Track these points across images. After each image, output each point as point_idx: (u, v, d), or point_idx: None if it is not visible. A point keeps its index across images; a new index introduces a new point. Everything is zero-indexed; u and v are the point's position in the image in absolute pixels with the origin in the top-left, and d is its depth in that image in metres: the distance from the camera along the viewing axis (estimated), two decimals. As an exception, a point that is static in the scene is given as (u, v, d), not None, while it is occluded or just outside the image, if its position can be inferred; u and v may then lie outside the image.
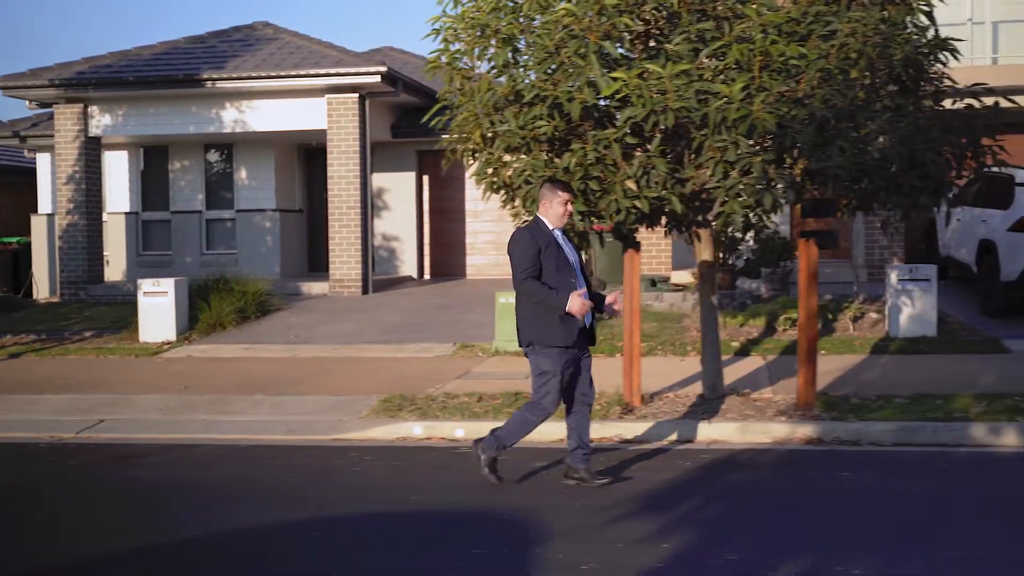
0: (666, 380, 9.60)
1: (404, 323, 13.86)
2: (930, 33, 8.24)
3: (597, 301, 6.51)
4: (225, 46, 16.84)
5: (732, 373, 10.08)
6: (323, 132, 15.96)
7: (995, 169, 12.91)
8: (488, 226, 18.39)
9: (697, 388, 9.19)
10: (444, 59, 7.94)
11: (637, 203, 7.45)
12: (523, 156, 7.68)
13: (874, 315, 12.58)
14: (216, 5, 56.60)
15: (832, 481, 6.61)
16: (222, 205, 17.96)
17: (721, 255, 14.24)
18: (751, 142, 6.96)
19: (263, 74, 15.36)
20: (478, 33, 7.83)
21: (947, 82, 8.73)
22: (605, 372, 9.95)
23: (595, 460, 7.14)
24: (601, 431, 8.03)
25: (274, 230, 17.55)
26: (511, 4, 7.74)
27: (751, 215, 7.95)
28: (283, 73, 15.33)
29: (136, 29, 57.21)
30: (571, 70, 7.19)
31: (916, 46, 8.09)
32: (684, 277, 14.99)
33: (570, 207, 6.45)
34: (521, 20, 7.68)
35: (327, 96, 15.68)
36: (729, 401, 8.56)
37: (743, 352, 11.33)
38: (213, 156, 18.04)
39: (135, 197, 18.31)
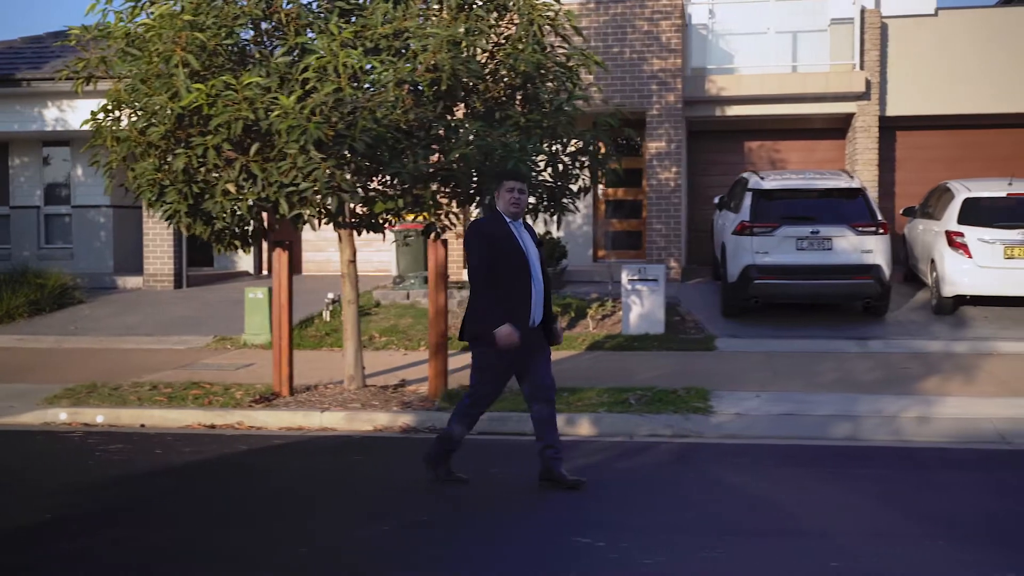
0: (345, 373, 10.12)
1: (189, 316, 14.38)
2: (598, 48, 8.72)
3: (550, 325, 6.33)
4: (58, 47, 17.31)
5: (423, 368, 10.62)
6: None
7: (745, 176, 13.46)
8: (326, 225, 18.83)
9: (373, 380, 9.78)
10: (76, 67, 8.47)
11: (239, 205, 8.00)
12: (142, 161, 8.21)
13: (621, 313, 13.11)
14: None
15: (342, 465, 7.21)
16: (59, 201, 18.44)
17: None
18: (319, 151, 7.48)
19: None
20: (121, 43, 8.38)
21: (593, 92, 9.25)
22: (323, 363, 10.54)
23: (191, 444, 7.71)
24: (225, 418, 8.59)
25: (107, 226, 18.03)
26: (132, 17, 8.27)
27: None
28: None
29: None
30: (164, 80, 7.72)
31: (539, 60, 8.59)
32: (473, 275, 15.48)
33: (518, 195, 6.19)
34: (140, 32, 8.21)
35: (141, 96, 16.16)
36: (366, 392, 9.08)
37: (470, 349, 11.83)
38: (51, 153, 18.53)
39: (-24, 192, 18.81)
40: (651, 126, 14.90)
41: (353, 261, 9.24)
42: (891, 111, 16.25)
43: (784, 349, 11.27)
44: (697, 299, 14.01)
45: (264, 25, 8.21)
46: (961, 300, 12.61)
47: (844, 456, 7.18)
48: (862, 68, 15.73)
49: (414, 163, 7.71)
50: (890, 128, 17.02)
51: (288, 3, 7.99)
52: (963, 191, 12.72)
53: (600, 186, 16.93)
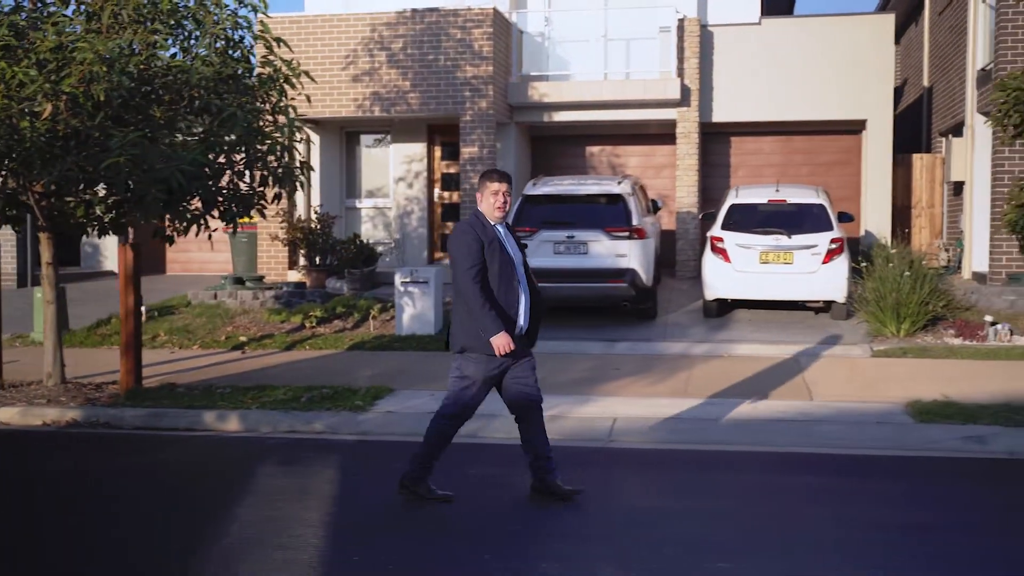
0: (96, 368, 10.63)
1: (7, 316, 14.78)
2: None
3: (538, 307, 6.09)
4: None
5: (170, 365, 11.05)
6: None
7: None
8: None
9: (104, 378, 10.22)
10: None
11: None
12: None
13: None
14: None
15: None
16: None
17: (316, 256, 15.21)
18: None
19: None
20: None
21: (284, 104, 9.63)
22: (86, 360, 11.02)
23: None
24: (-96, 412, 9.01)
25: (-31, 225, 18.51)
26: None
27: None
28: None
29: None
30: None
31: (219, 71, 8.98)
32: (296, 276, 15.88)
33: (505, 197, 5.93)
34: None
35: None
36: (62, 388, 9.46)
37: (239, 347, 12.25)
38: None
39: None
40: (464, 131, 15.26)
41: (51, 263, 9.64)
42: (717, 117, 16.57)
43: (536, 350, 11.59)
44: (495, 301, 14.35)
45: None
46: (725, 303, 12.93)
47: (388, 449, 7.68)
48: (681, 75, 16.02)
49: (60, 171, 8.11)
50: (725, 134, 17.36)
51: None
52: (732, 197, 13.05)
53: (436, 189, 17.32)
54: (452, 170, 17.26)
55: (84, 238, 19.30)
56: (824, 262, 12.17)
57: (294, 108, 9.93)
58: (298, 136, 9.62)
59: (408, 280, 12.61)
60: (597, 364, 10.72)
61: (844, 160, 17.20)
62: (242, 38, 9.47)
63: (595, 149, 17.93)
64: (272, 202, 9.72)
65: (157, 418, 8.62)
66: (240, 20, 9.42)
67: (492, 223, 5.94)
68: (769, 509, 6.03)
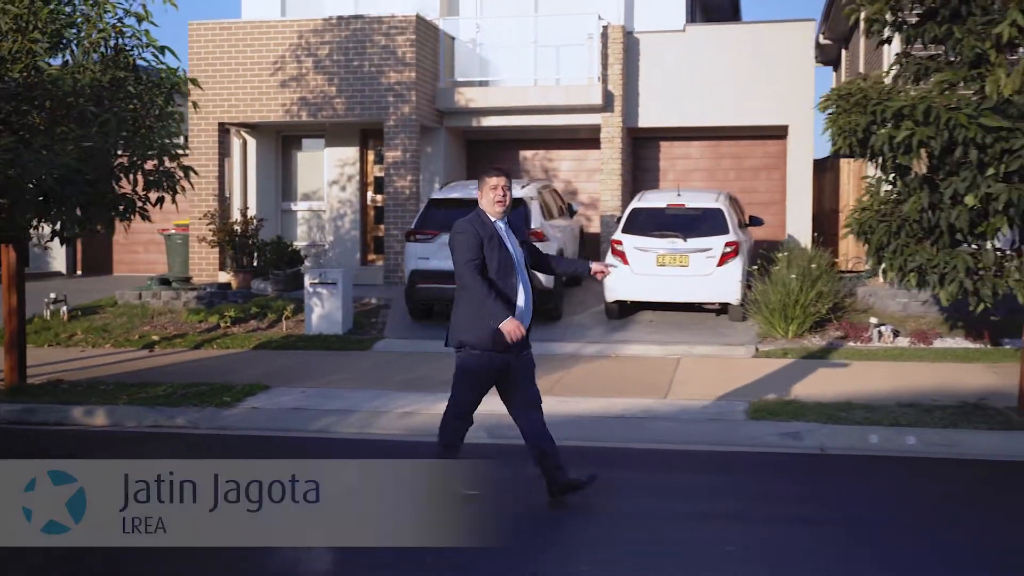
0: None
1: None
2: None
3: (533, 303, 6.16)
4: None
5: (79, 363, 11.40)
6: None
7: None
8: (140, 226, 19.56)
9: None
10: None
11: None
12: None
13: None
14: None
15: None
16: None
17: (244, 258, 15.53)
18: None
19: None
20: None
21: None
22: None
23: None
24: None
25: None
26: None
27: None
28: None
29: None
30: None
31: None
32: (226, 278, 16.22)
33: (504, 191, 5.97)
34: None
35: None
36: (-49, 385, 9.85)
37: (149, 346, 12.59)
38: None
39: None
40: (388, 136, 15.58)
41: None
42: (645, 122, 16.87)
43: (432, 350, 11.91)
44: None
45: None
46: (624, 305, 13.22)
47: (233, 443, 8.06)
48: (604, 81, 16.32)
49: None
50: (653, 139, 17.67)
51: None
52: (636, 201, 13.36)
53: (369, 193, 17.65)
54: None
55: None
56: (718, 265, 12.44)
57: (181, 115, 10.28)
58: (178, 140, 9.93)
59: (317, 281, 12.94)
60: (483, 363, 11.01)
61: (771, 165, 17.49)
62: (130, 47, 9.79)
63: (528, 153, 18.25)
64: (155, 206, 10.00)
65: (30, 413, 8.96)
66: (125, 29, 9.75)
67: (493, 219, 5.98)
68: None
